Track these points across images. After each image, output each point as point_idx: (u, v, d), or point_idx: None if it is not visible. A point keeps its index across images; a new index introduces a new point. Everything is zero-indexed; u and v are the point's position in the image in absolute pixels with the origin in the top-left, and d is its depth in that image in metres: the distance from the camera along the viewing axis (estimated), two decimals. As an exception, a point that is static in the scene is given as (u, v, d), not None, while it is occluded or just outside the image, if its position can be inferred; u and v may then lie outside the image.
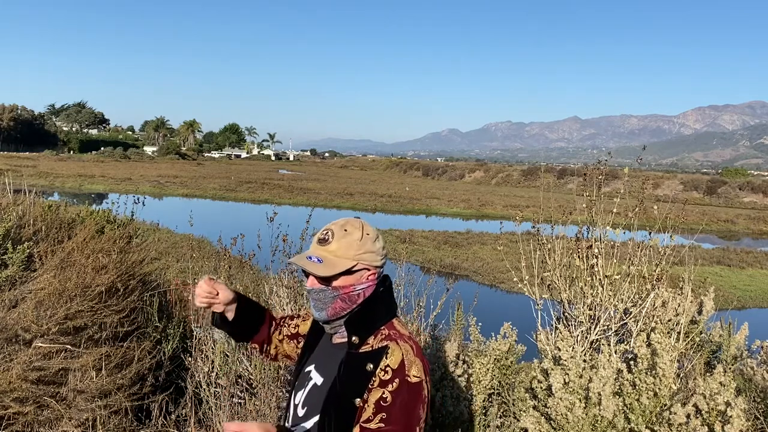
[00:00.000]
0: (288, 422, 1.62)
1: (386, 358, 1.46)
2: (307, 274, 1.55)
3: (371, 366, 1.47)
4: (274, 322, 1.87)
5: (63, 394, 2.83)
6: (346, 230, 1.53)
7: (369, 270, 1.54)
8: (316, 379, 1.58)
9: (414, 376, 1.45)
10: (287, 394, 1.73)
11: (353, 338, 1.52)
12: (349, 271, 1.52)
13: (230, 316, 1.76)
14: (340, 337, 1.58)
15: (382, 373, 1.45)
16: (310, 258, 1.52)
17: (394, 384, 1.44)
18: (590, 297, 3.15)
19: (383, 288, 1.59)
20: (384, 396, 1.43)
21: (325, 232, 1.55)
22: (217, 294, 1.71)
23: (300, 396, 1.60)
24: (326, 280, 1.52)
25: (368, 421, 1.43)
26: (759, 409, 3.08)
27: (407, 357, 1.47)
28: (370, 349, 1.51)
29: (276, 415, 3.21)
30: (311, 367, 1.63)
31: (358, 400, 1.46)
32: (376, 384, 1.45)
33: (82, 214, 4.26)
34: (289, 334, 1.84)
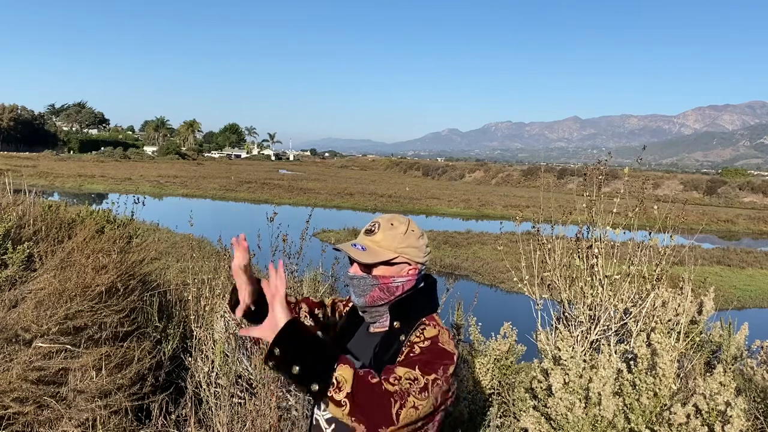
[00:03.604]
0: (319, 406, 1.66)
1: (421, 330, 1.53)
2: (351, 262, 1.62)
3: (404, 337, 1.54)
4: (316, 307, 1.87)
5: (63, 394, 2.83)
6: (392, 224, 1.61)
7: (410, 265, 1.61)
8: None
9: (445, 345, 1.51)
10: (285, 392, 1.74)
11: (395, 323, 1.58)
12: (389, 262, 1.58)
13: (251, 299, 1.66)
14: (380, 327, 1.63)
15: (416, 338, 1.51)
16: (355, 245, 1.60)
17: (426, 344, 1.49)
18: (590, 297, 3.15)
19: (425, 284, 1.66)
20: (414, 350, 1.49)
21: (373, 223, 1.63)
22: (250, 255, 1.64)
23: None
24: (368, 268, 1.58)
25: (393, 365, 1.45)
26: (759, 409, 3.08)
27: (441, 335, 1.53)
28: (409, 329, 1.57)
29: (276, 415, 3.21)
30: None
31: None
32: (407, 347, 1.50)
33: (82, 214, 4.25)
34: (340, 310, 1.87)
